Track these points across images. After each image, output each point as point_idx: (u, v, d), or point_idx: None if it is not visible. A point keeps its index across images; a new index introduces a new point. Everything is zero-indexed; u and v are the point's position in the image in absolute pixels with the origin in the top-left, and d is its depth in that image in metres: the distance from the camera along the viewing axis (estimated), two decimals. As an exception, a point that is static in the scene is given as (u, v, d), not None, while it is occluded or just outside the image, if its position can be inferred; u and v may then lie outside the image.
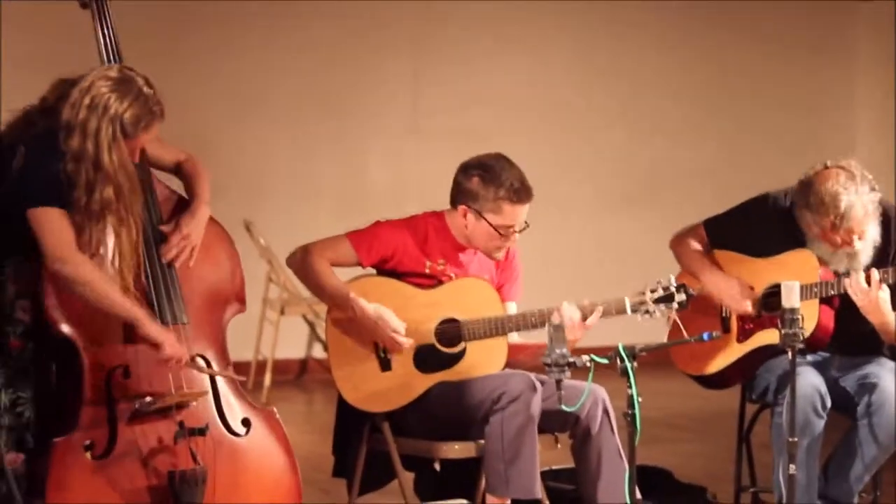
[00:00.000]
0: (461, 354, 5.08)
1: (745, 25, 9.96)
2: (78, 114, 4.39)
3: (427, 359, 5.07)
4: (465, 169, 5.16)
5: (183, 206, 4.78)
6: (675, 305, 5.04)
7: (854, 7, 10.14)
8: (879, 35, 9.95)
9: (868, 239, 5.25)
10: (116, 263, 4.48)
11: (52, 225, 4.41)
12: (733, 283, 5.35)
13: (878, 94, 9.90)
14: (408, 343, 5.03)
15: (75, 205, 4.41)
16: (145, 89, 4.47)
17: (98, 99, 4.39)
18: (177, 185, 4.88)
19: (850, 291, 5.18)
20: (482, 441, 4.98)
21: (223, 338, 4.81)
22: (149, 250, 4.62)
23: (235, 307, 4.85)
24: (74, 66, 4.62)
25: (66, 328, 4.49)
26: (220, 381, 4.72)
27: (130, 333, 4.54)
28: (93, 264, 4.43)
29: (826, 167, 5.23)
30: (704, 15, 9.90)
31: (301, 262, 5.11)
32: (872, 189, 5.20)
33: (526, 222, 5.13)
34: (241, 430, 4.70)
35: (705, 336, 4.52)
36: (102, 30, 4.84)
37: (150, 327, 4.49)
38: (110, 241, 4.47)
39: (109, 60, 4.79)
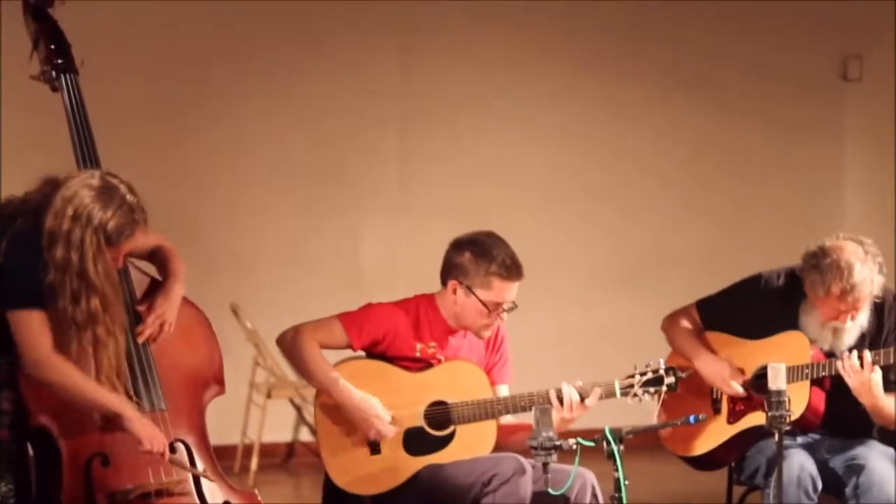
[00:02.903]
0: (450, 437, 5.07)
1: (734, 105, 9.99)
2: (62, 224, 4.36)
3: (416, 442, 5.06)
4: (457, 245, 5.18)
5: (156, 287, 4.76)
6: (664, 388, 5.05)
7: (839, 87, 10.21)
8: (867, 114, 10.01)
9: (857, 321, 5.30)
10: (104, 373, 4.43)
11: (31, 328, 4.38)
12: (724, 366, 5.38)
13: (867, 173, 9.95)
14: (391, 432, 5.03)
15: (60, 315, 4.38)
16: (128, 197, 4.43)
17: (81, 209, 4.36)
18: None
19: (843, 372, 5.21)
20: (471, 524, 4.97)
21: (203, 422, 4.78)
22: (125, 338, 4.59)
23: (214, 390, 4.83)
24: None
25: (42, 418, 4.46)
26: (200, 464, 4.67)
27: (108, 421, 4.50)
28: (70, 364, 4.38)
29: (843, 238, 5.32)
30: (695, 95, 9.93)
31: (291, 343, 5.11)
32: (880, 272, 5.27)
33: (514, 302, 5.15)
34: (222, 513, 4.68)
35: (691, 419, 4.53)
36: (74, 115, 4.87)
37: (133, 422, 4.45)
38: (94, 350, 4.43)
39: (81, 145, 4.81)
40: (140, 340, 4.62)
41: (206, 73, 8.98)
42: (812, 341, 5.34)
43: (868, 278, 5.24)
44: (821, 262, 5.25)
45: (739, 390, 5.35)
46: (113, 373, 4.46)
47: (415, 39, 9.41)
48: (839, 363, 5.21)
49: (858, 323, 5.33)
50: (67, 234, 4.35)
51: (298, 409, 9.10)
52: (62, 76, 4.93)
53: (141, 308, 4.66)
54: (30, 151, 7.84)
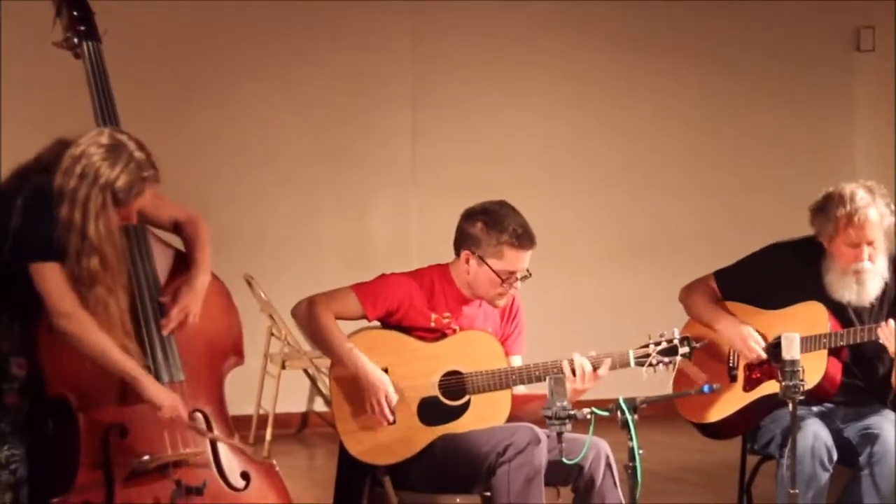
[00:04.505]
0: (465, 407, 5.09)
1: (743, 80, 10.00)
2: (69, 182, 4.37)
3: (431, 411, 5.07)
4: (469, 215, 5.18)
5: (180, 261, 4.78)
6: (678, 358, 5.05)
7: (852, 58, 10.19)
8: (878, 86, 9.99)
9: (878, 267, 5.31)
10: (109, 333, 4.45)
11: (55, 280, 4.40)
12: (748, 329, 5.37)
13: (878, 147, 9.93)
14: (389, 420, 5.03)
15: (67, 272, 4.41)
16: (136, 154, 4.43)
17: (89, 168, 4.37)
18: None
19: (882, 338, 5.20)
20: (486, 493, 4.99)
21: (221, 392, 4.80)
22: (143, 309, 4.62)
23: (233, 361, 4.85)
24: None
25: (60, 388, 4.47)
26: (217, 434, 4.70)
27: (126, 392, 4.52)
28: (94, 322, 4.41)
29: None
30: (703, 70, 9.94)
31: (306, 313, 5.11)
32: (891, 212, 5.32)
33: (528, 270, 5.15)
34: (240, 484, 4.68)
35: (706, 388, 4.54)
36: (96, 82, 4.89)
37: (150, 389, 4.47)
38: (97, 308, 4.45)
39: (103, 112, 4.83)
40: (165, 333, 4.63)
41: (219, 51, 9.01)
42: (837, 302, 5.34)
43: (873, 204, 5.28)
44: (825, 201, 5.35)
45: (761, 353, 5.35)
46: (119, 330, 4.47)
47: (426, 17, 9.42)
48: (880, 330, 5.22)
49: (879, 270, 5.35)
50: (73, 192, 4.37)
51: (313, 379, 9.13)
52: (84, 43, 4.94)
53: (165, 299, 4.66)
54: (32, 125, 7.85)
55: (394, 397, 5.02)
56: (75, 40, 4.96)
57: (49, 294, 4.40)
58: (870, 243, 5.31)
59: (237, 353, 4.85)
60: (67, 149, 4.45)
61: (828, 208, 5.32)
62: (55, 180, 4.40)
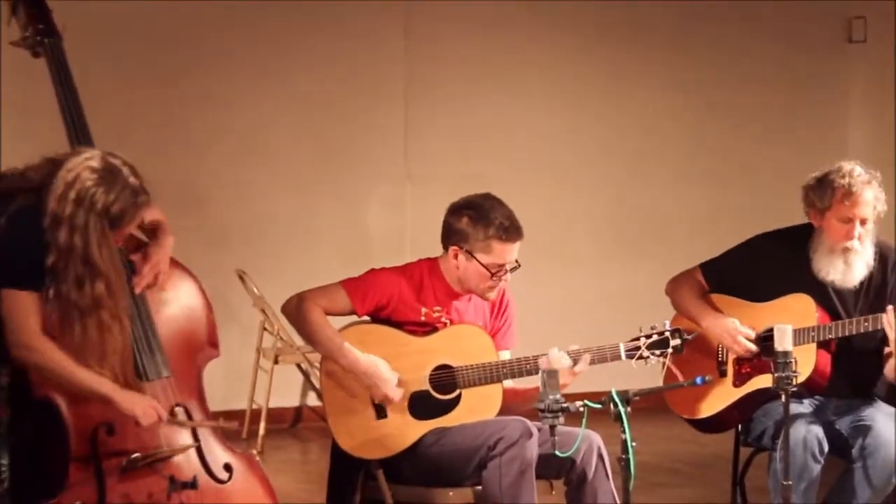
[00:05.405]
0: (456, 401, 5.09)
1: (735, 70, 9.99)
2: (65, 208, 4.31)
3: (422, 406, 5.07)
4: (455, 210, 5.17)
5: (139, 246, 4.73)
6: (669, 350, 5.05)
7: (844, 49, 10.19)
8: (872, 76, 9.99)
9: (865, 251, 5.30)
10: (109, 357, 4.41)
11: (21, 309, 4.34)
12: (734, 324, 5.37)
13: (871, 136, 9.92)
14: (399, 395, 5.04)
15: (62, 299, 4.34)
16: (131, 180, 4.39)
17: (84, 193, 4.31)
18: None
19: (886, 328, 5.19)
20: (478, 487, 4.99)
21: (201, 385, 4.78)
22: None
23: (209, 352, 4.82)
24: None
25: (46, 390, 4.42)
26: (201, 430, 4.68)
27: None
28: (55, 348, 4.35)
29: None
30: (695, 61, 9.93)
31: (296, 309, 5.11)
32: (883, 195, 5.34)
33: (517, 261, 5.15)
34: (224, 476, 4.67)
35: (698, 380, 4.53)
36: (59, 78, 4.82)
37: (123, 402, 4.42)
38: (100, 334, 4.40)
39: (69, 106, 4.78)
40: (137, 291, 4.59)
41: (216, 49, 8.99)
42: (823, 284, 5.34)
43: (870, 185, 5.31)
44: (823, 175, 5.38)
45: (751, 346, 5.34)
46: (119, 357, 4.43)
47: (419, 14, 9.41)
48: (882, 318, 5.21)
49: (866, 255, 5.34)
50: (71, 218, 4.31)
51: (306, 374, 9.13)
52: (45, 40, 4.86)
53: (135, 257, 4.61)
54: (26, 113, 7.85)
55: (393, 377, 5.02)
56: (37, 38, 4.87)
57: (14, 322, 4.34)
58: (862, 222, 5.31)
59: (213, 344, 4.82)
60: (58, 169, 4.37)
61: (826, 179, 5.34)
62: (48, 204, 4.34)
